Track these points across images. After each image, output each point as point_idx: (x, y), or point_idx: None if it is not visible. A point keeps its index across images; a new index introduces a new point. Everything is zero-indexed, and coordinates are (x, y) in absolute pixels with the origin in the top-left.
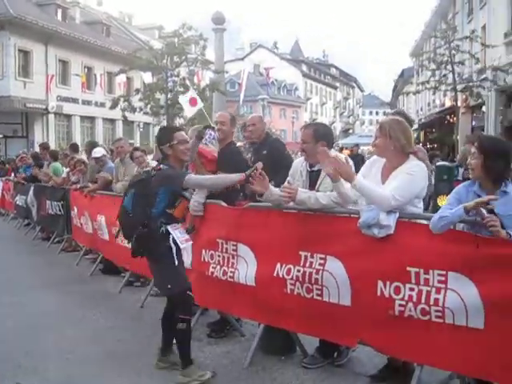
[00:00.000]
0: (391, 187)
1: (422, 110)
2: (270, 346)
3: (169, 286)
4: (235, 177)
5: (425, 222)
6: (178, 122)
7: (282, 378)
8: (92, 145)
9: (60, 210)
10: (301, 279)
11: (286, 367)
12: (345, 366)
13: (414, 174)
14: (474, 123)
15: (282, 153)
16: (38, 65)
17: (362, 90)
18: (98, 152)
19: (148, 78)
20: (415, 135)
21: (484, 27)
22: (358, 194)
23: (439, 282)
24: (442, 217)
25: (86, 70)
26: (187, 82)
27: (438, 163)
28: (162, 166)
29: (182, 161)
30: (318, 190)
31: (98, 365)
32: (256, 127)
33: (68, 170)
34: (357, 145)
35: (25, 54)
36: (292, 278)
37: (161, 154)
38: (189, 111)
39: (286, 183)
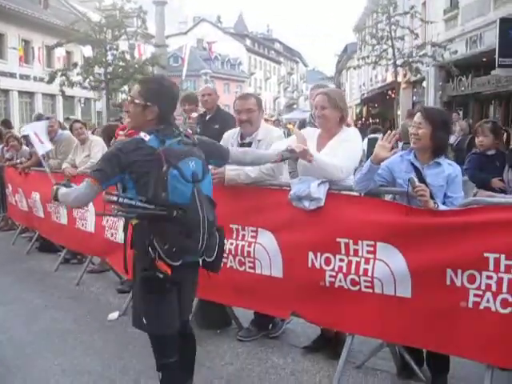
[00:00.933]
0: (340, 159)
1: (364, 85)
2: (206, 320)
3: None
4: (273, 156)
5: (354, 193)
6: (121, 97)
7: (217, 351)
8: (39, 118)
9: None
10: (233, 252)
11: (222, 340)
12: (279, 338)
13: (354, 141)
14: (414, 98)
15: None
16: None
17: (305, 66)
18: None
19: (88, 51)
20: (358, 110)
21: (424, 4)
22: None
23: (368, 252)
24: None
25: (24, 43)
26: (127, 56)
27: (369, 136)
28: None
29: None
30: None
31: (33, 345)
32: (212, 97)
33: (2, 146)
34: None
35: None
36: (224, 252)
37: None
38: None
39: None
